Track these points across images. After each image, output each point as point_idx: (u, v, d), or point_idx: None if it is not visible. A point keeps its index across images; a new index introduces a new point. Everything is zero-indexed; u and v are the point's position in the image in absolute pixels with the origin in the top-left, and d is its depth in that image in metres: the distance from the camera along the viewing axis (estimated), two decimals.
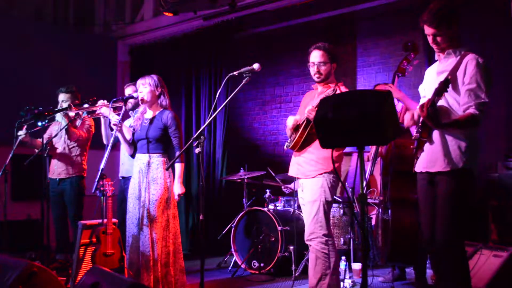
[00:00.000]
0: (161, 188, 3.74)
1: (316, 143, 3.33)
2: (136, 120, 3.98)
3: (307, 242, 3.40)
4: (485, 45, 4.57)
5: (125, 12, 7.55)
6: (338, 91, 3.35)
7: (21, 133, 4.41)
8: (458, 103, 2.84)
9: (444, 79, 2.69)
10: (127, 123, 4.53)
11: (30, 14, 7.19)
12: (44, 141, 4.53)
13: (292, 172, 3.53)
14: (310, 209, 3.36)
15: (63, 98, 4.70)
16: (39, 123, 4.10)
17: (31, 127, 4.36)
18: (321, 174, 3.34)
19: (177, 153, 3.76)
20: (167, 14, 5.95)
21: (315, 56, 3.46)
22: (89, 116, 4.74)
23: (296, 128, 3.47)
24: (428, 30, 2.90)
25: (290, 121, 3.52)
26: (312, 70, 3.47)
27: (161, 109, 3.91)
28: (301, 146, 3.42)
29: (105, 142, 4.68)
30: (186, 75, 6.77)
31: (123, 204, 4.41)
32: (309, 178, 3.38)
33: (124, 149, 4.57)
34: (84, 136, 4.70)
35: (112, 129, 4.51)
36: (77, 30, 7.49)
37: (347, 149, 5.71)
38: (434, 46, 2.94)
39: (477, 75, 2.76)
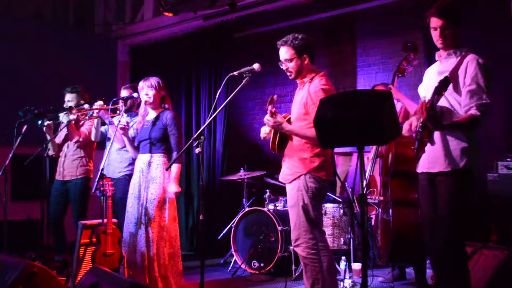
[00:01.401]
0: (159, 187, 3.76)
1: (289, 145, 3.23)
2: (138, 123, 4.02)
3: (294, 249, 3.25)
4: (485, 45, 4.56)
5: (125, 12, 7.54)
6: (306, 86, 3.20)
7: (46, 122, 4.37)
8: (459, 103, 2.83)
9: (443, 77, 2.68)
10: (116, 121, 4.53)
11: (30, 14, 7.18)
12: (48, 144, 4.55)
13: (279, 177, 3.37)
14: (291, 214, 3.21)
15: (69, 98, 4.71)
16: (39, 122, 4.11)
17: (53, 118, 4.36)
18: (297, 177, 3.15)
19: (174, 154, 3.80)
20: (167, 14, 5.95)
21: (281, 53, 3.22)
22: (87, 117, 4.72)
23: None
24: (436, 23, 2.85)
25: (261, 133, 3.42)
26: (283, 68, 3.26)
27: (163, 110, 3.95)
28: (279, 149, 3.28)
29: (93, 139, 4.66)
30: (186, 75, 6.77)
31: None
32: (288, 183, 3.22)
33: (111, 150, 4.58)
34: (86, 136, 4.65)
35: (103, 125, 4.56)
36: (77, 30, 7.48)
37: (347, 149, 5.73)
38: (439, 41, 2.90)
39: (477, 76, 2.76)
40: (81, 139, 4.62)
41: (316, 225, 3.19)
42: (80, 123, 4.70)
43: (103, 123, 4.60)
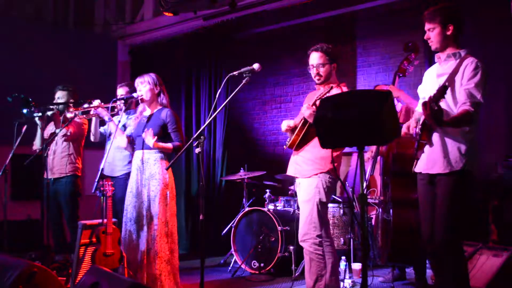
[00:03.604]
0: (159, 184, 3.75)
1: (313, 142, 3.32)
2: (135, 119, 4.01)
3: (300, 243, 3.35)
4: (486, 45, 4.56)
5: (125, 12, 7.54)
6: (336, 90, 3.34)
7: (49, 113, 4.35)
8: (455, 105, 2.85)
9: (441, 85, 2.70)
10: (116, 121, 4.53)
11: (30, 14, 7.18)
12: (40, 141, 4.53)
13: (290, 171, 3.50)
14: (303, 209, 3.33)
15: (59, 96, 4.72)
16: (24, 110, 4.09)
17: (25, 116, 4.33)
18: (317, 174, 3.31)
19: (176, 143, 3.80)
20: (167, 14, 5.95)
21: (314, 58, 3.44)
22: (84, 116, 4.72)
23: (293, 128, 3.45)
24: (426, 26, 2.98)
25: (284, 125, 3.52)
26: (312, 72, 3.45)
27: (160, 107, 3.92)
28: (299, 145, 3.40)
29: (92, 140, 4.66)
30: (186, 75, 6.77)
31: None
32: (305, 177, 3.36)
33: (111, 149, 4.57)
34: (73, 132, 4.61)
35: (101, 125, 4.55)
36: (77, 30, 7.48)
37: (347, 149, 5.73)
38: (429, 42, 3.00)
39: (475, 77, 2.80)
40: (68, 133, 4.59)
41: (325, 222, 3.31)
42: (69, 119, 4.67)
43: (102, 123, 4.60)
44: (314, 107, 3.28)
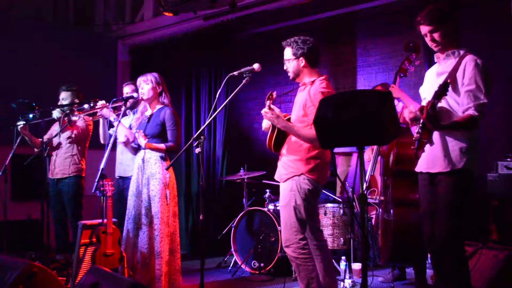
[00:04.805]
0: (159, 183, 3.74)
1: (287, 144, 3.25)
2: (137, 120, 4.02)
3: (285, 249, 3.24)
4: (485, 45, 4.56)
5: (125, 12, 7.54)
6: (304, 93, 3.25)
7: (20, 123, 4.38)
8: (458, 104, 2.85)
9: (442, 82, 2.69)
10: (125, 122, 4.54)
11: (30, 13, 7.18)
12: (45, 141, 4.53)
13: (275, 175, 3.39)
14: (283, 214, 3.22)
15: (63, 96, 4.71)
16: (30, 115, 4.10)
17: (29, 121, 4.36)
18: (291, 177, 3.18)
19: (170, 144, 3.78)
20: (167, 14, 5.95)
21: (284, 53, 3.33)
22: (91, 118, 4.72)
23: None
24: (424, 29, 2.93)
25: (263, 125, 3.44)
26: (285, 68, 3.36)
27: (161, 106, 3.92)
28: (275, 147, 3.31)
29: (102, 141, 4.68)
30: (186, 75, 6.77)
31: (121, 203, 4.40)
32: (282, 181, 3.26)
33: (121, 149, 4.60)
34: (78, 133, 4.62)
35: (110, 128, 4.55)
36: (77, 30, 7.48)
37: (347, 149, 5.73)
38: (433, 45, 2.95)
39: (476, 76, 2.78)
40: (73, 136, 4.59)
41: (305, 224, 3.20)
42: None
43: (111, 125, 4.59)
44: (271, 110, 3.18)
